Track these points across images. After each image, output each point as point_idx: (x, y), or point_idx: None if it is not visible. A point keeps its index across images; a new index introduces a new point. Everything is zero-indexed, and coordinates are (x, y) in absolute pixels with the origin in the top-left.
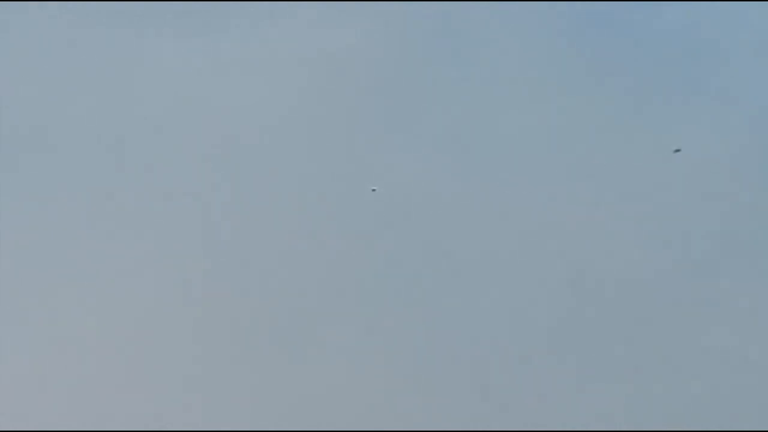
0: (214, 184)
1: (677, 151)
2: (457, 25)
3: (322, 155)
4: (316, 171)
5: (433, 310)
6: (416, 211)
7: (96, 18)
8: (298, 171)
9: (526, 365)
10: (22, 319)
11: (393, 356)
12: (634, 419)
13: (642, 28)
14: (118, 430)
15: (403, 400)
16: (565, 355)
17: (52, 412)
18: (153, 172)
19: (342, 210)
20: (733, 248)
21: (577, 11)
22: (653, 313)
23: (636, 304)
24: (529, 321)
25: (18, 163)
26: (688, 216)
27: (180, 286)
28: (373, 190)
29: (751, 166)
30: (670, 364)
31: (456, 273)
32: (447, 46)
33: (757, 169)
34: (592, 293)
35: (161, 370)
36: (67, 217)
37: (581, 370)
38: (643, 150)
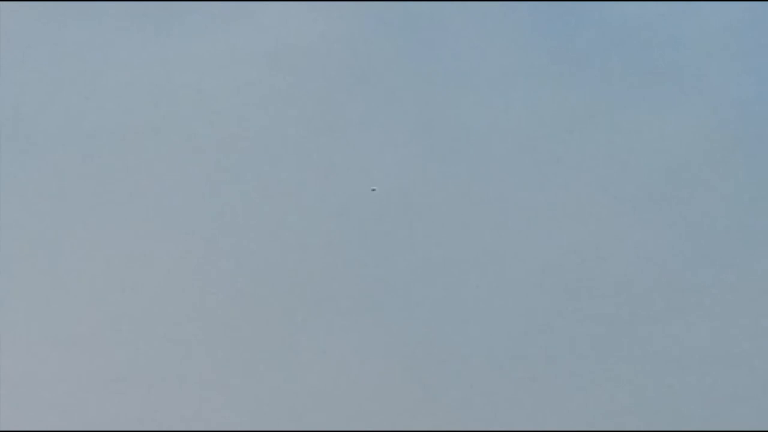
0: (205, 182)
1: None
2: (433, 20)
3: (305, 153)
4: (299, 168)
5: (429, 310)
6: (406, 208)
7: (68, 17)
8: (281, 169)
9: (523, 364)
10: (20, 318)
11: (389, 355)
12: (634, 419)
13: (617, 19)
14: (117, 430)
15: (402, 399)
16: (562, 354)
17: (51, 411)
18: (141, 171)
19: (332, 209)
20: (729, 244)
21: (551, 7)
22: (650, 311)
23: (633, 301)
24: (524, 319)
25: (11, 163)
26: (675, 210)
27: (176, 286)
28: (373, 190)
29: (737, 157)
30: (668, 363)
31: (451, 271)
32: (426, 41)
33: (743, 161)
34: (587, 290)
35: (158, 369)
36: (54, 215)
37: (579, 369)
38: (627, 142)
